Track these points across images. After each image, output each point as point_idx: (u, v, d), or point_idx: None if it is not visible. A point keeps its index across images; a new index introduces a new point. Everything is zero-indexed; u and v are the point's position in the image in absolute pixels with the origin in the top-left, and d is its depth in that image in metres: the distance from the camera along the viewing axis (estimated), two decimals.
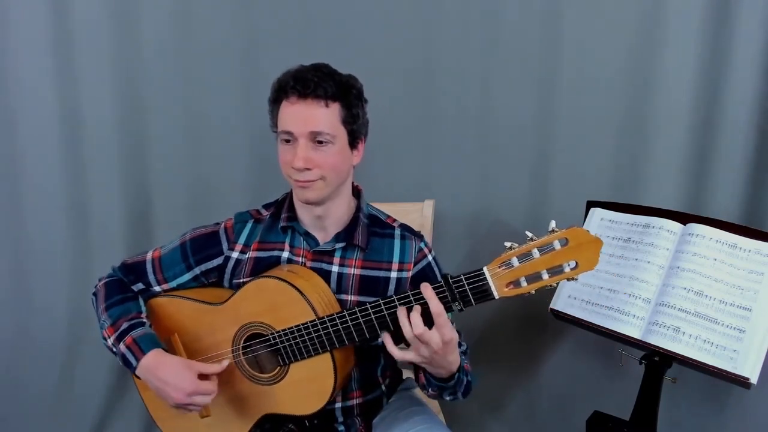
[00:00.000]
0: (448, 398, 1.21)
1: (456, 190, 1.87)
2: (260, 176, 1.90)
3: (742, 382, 1.18)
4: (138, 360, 1.17)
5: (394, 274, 1.25)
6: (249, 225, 1.29)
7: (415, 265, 1.26)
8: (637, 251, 1.37)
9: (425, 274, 1.27)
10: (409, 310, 1.06)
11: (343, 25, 1.79)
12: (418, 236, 1.29)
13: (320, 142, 1.15)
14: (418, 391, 1.43)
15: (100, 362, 1.97)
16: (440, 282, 1.06)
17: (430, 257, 1.29)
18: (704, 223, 1.32)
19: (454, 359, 1.09)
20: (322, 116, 1.14)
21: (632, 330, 1.30)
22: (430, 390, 1.21)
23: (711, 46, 1.68)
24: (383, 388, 1.34)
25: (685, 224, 1.35)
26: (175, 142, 1.88)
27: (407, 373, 1.48)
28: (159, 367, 1.16)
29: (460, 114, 1.83)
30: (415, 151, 1.85)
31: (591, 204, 1.50)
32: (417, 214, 1.66)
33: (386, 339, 1.08)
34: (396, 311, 1.07)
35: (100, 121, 1.86)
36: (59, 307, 1.96)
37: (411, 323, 1.04)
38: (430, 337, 1.03)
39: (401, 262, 1.26)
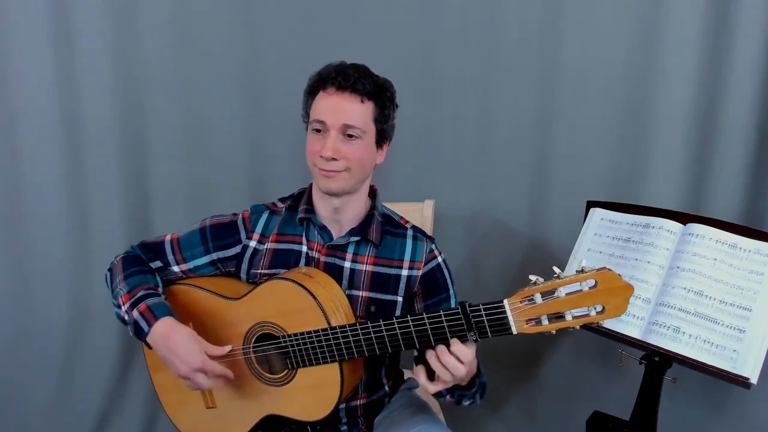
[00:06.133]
0: (467, 403, 1.22)
1: (456, 190, 1.87)
2: (260, 176, 1.90)
3: (742, 382, 1.17)
4: (150, 326, 1.16)
5: (404, 272, 1.26)
6: (265, 215, 1.31)
7: (425, 265, 1.28)
8: (637, 251, 1.37)
9: (434, 275, 1.28)
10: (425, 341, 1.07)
11: (343, 25, 1.79)
12: (430, 238, 1.31)
13: (350, 136, 1.18)
14: (419, 391, 1.43)
15: (100, 363, 1.98)
16: (456, 308, 1.05)
17: (440, 258, 1.30)
18: (704, 223, 1.32)
19: (474, 366, 1.10)
20: (357, 111, 1.18)
21: (632, 330, 1.29)
22: (448, 397, 1.21)
23: (711, 46, 1.68)
24: (387, 388, 1.35)
25: (685, 224, 1.35)
26: (175, 141, 1.88)
27: (409, 374, 1.49)
28: (171, 336, 1.16)
29: (460, 114, 1.83)
30: (415, 151, 1.84)
31: (591, 204, 1.50)
32: (417, 214, 1.66)
33: (420, 374, 1.08)
34: (408, 329, 1.07)
35: (100, 120, 1.86)
36: (59, 308, 1.95)
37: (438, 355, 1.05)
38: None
39: (412, 261, 1.27)
